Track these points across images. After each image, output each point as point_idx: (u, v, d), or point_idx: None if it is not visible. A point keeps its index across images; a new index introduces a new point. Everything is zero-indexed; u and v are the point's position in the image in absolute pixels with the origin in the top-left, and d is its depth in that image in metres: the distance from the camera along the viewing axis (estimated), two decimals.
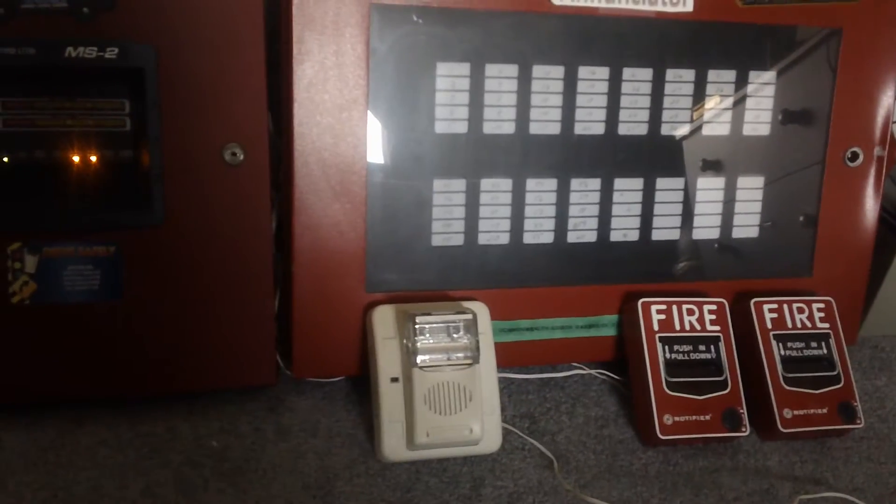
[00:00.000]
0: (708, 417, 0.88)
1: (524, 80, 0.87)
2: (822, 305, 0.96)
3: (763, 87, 0.93)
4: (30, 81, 0.77)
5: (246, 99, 0.80)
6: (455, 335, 0.82)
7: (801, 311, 0.95)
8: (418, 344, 0.80)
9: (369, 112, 0.83)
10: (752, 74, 0.92)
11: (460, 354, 0.82)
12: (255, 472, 0.79)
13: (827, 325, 0.95)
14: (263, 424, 0.84)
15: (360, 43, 0.82)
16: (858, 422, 0.92)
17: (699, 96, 0.92)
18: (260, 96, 0.80)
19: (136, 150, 0.80)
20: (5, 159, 0.78)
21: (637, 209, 0.93)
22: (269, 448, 0.82)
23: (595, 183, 0.91)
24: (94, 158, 0.80)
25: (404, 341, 0.81)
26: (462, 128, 0.86)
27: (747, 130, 0.94)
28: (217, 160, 0.79)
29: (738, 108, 0.93)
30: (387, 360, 0.82)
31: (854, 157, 0.97)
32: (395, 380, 0.81)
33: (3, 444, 0.78)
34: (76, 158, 0.79)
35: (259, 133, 0.80)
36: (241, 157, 0.80)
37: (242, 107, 0.80)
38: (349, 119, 0.82)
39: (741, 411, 0.89)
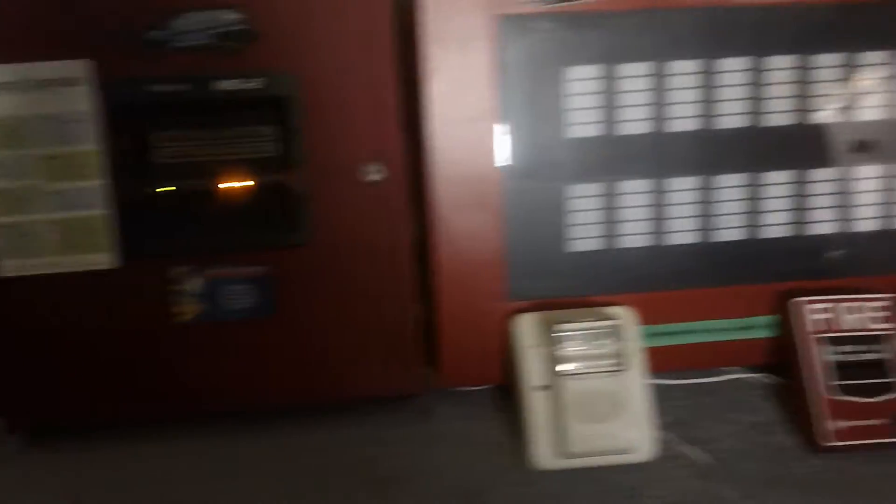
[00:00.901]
0: (879, 422, 0.84)
1: (658, 78, 0.86)
2: None
3: None
4: (184, 115, 0.83)
5: (383, 118, 0.83)
6: (601, 342, 0.82)
7: None
8: (563, 352, 0.80)
9: (501, 121, 0.84)
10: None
11: (607, 361, 0.81)
12: (406, 479, 0.82)
13: None
14: (413, 433, 0.87)
15: (489, 54, 0.84)
16: None
17: (849, 81, 0.88)
18: (394, 115, 0.83)
19: (282, 174, 0.85)
20: (166, 189, 0.85)
21: (788, 203, 0.90)
22: (419, 456, 0.84)
23: (740, 178, 0.89)
24: (244, 184, 0.85)
25: (549, 349, 0.82)
26: (595, 130, 0.86)
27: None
28: (358, 179, 0.83)
29: (893, 90, 0.88)
30: (532, 368, 0.83)
31: None
32: (541, 388, 0.82)
33: (176, 452, 0.85)
34: (229, 185, 0.85)
35: (396, 151, 0.84)
36: (381, 174, 0.83)
37: (380, 126, 0.83)
38: (482, 130, 0.84)
39: None
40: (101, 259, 0.82)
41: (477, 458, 0.84)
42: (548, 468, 0.81)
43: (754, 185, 0.89)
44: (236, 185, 0.85)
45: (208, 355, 0.83)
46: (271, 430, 0.86)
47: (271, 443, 0.85)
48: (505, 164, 0.85)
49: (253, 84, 0.80)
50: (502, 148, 0.84)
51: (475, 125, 0.84)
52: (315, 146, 0.82)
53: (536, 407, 0.81)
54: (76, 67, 0.80)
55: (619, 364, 0.81)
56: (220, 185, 0.85)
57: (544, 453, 0.81)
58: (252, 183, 0.85)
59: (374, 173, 0.83)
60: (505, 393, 0.89)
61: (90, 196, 0.81)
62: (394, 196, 0.84)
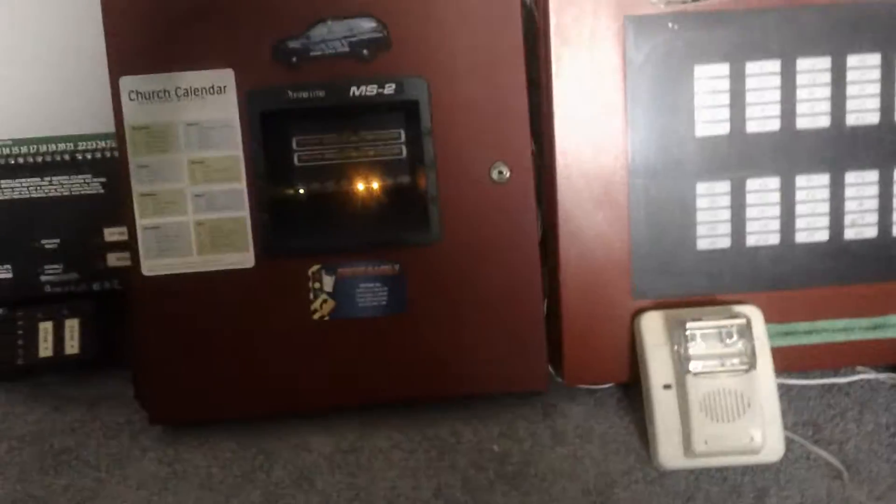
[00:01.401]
0: None
1: (788, 75, 0.86)
2: None
3: None
4: (320, 120, 0.88)
5: (510, 119, 0.86)
6: (728, 340, 0.83)
7: None
8: (690, 350, 0.82)
9: (628, 121, 0.86)
10: None
11: (735, 360, 0.82)
12: (535, 476, 0.85)
13: None
14: (539, 430, 0.90)
15: (616, 55, 0.86)
16: None
17: None
18: (523, 115, 0.86)
19: (412, 175, 0.89)
20: (302, 191, 0.90)
21: None
22: (546, 453, 0.87)
23: (872, 175, 0.88)
24: (376, 185, 0.90)
25: (675, 347, 0.83)
26: (724, 129, 0.87)
27: None
28: (486, 179, 0.86)
29: None
30: (658, 367, 0.84)
31: None
32: (667, 387, 0.84)
33: (311, 446, 0.90)
34: (361, 186, 0.90)
35: (523, 151, 0.87)
36: (508, 174, 0.86)
37: (507, 127, 0.86)
38: (608, 130, 0.86)
39: None
40: (242, 258, 0.87)
41: (603, 456, 0.87)
42: (674, 467, 0.83)
43: (884, 182, 0.88)
44: (370, 186, 0.89)
45: (343, 351, 0.88)
46: (405, 423, 0.90)
47: (405, 436, 0.89)
48: (631, 163, 0.86)
49: (386, 89, 0.84)
50: (629, 147, 0.86)
51: (602, 125, 0.86)
52: (444, 148, 0.86)
53: (662, 405, 0.83)
54: (222, 76, 0.85)
55: (746, 363, 0.82)
56: (355, 187, 0.89)
57: (670, 452, 0.82)
58: (384, 184, 0.88)
59: (502, 173, 0.86)
60: (629, 391, 0.91)
61: (233, 198, 0.86)
62: (521, 195, 0.87)
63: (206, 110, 0.85)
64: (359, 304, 0.87)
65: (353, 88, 0.84)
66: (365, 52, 0.84)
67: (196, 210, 0.86)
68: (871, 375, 0.93)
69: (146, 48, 0.84)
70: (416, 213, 0.86)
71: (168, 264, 0.87)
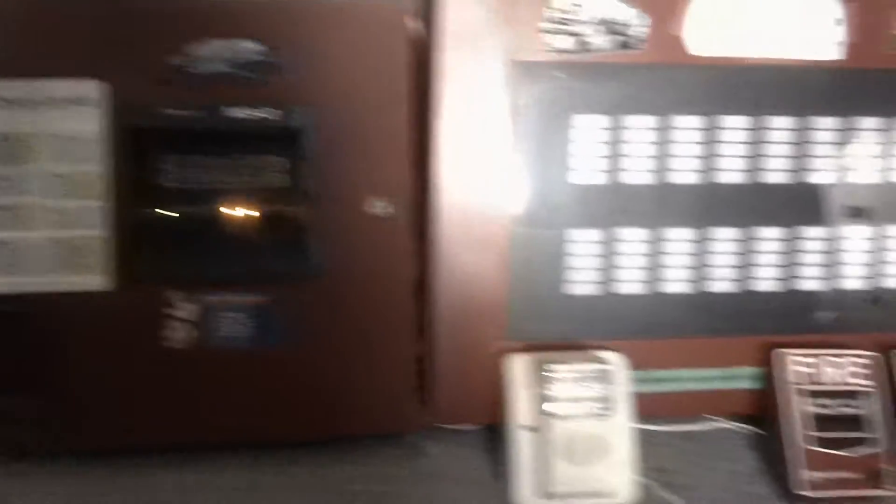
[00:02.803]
0: (855, 475, 0.91)
1: (663, 131, 0.92)
2: None
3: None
4: (196, 142, 0.87)
5: (393, 155, 0.88)
6: (590, 385, 0.88)
7: None
8: (552, 393, 0.86)
9: (511, 164, 0.90)
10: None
11: (596, 405, 0.87)
12: None
13: None
14: (404, 470, 0.91)
15: (502, 99, 0.89)
16: None
17: (845, 144, 0.95)
18: (405, 152, 0.88)
19: (291, 205, 0.89)
20: (171, 214, 0.89)
21: (780, 259, 0.97)
22: (408, 493, 0.89)
23: (736, 232, 0.96)
24: (253, 213, 0.89)
25: (539, 390, 0.88)
26: (600, 178, 0.92)
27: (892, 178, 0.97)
28: (366, 214, 0.88)
29: (887, 155, 0.96)
30: (522, 408, 0.88)
31: None
32: (530, 429, 0.88)
33: (159, 484, 0.88)
34: (237, 213, 0.89)
35: (404, 187, 0.89)
36: (388, 210, 0.88)
37: (389, 162, 0.88)
38: (492, 172, 0.90)
39: (891, 469, 0.91)
40: (97, 281, 0.85)
41: (463, 498, 0.89)
42: None
43: (749, 240, 0.95)
44: (244, 213, 0.89)
45: (205, 384, 0.87)
46: (261, 462, 0.90)
47: (261, 475, 0.89)
48: (513, 206, 0.90)
49: (268, 115, 0.85)
50: (511, 190, 0.90)
51: (484, 167, 0.89)
52: (326, 179, 0.87)
53: (523, 447, 0.87)
54: (89, 87, 0.83)
55: (606, 408, 0.87)
56: (230, 214, 0.88)
57: (528, 493, 0.86)
58: (262, 213, 0.88)
59: (383, 208, 0.88)
60: (497, 433, 0.94)
61: (91, 216, 0.84)
62: (400, 232, 0.89)
63: (68, 122, 0.83)
64: (224, 335, 0.87)
65: (235, 111, 0.84)
66: (249, 75, 0.84)
67: (50, 226, 0.84)
68: (724, 424, 1.00)
69: (8, 53, 0.81)
70: (292, 244, 0.87)
71: (15, 282, 0.84)
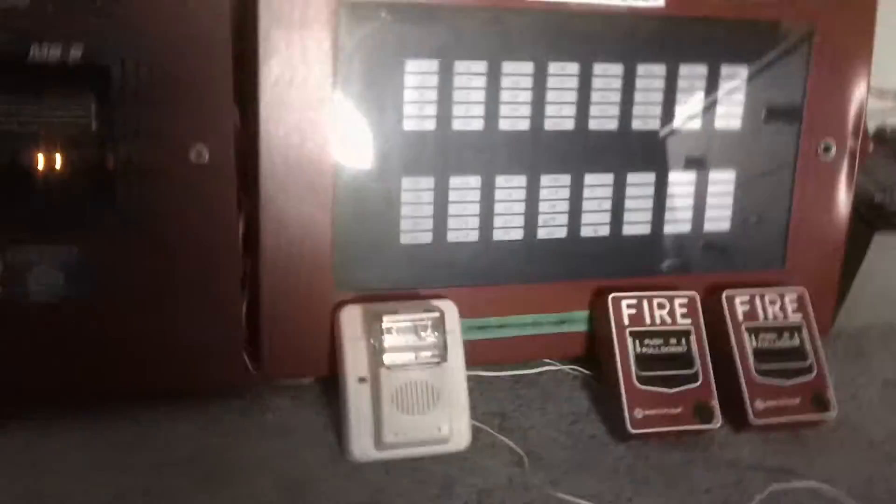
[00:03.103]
0: (679, 410, 0.95)
1: (493, 77, 0.92)
2: (794, 296, 1.02)
3: (735, 82, 0.99)
4: None
5: (212, 99, 0.84)
6: (422, 334, 0.88)
7: (773, 302, 1.01)
8: (385, 343, 0.86)
9: (337, 110, 0.88)
10: (724, 69, 0.98)
11: (428, 353, 0.87)
12: (225, 474, 0.85)
13: (800, 316, 1.01)
14: (234, 426, 0.89)
15: (328, 40, 0.86)
16: (832, 411, 0.98)
17: (670, 91, 0.97)
18: (226, 97, 0.84)
19: (102, 151, 0.84)
20: None
21: (607, 205, 0.99)
22: (239, 450, 0.87)
23: (565, 179, 0.97)
24: (59, 158, 0.84)
25: (371, 341, 0.87)
26: (431, 125, 0.91)
27: (719, 125, 1.00)
28: (183, 160, 0.84)
29: (710, 102, 0.99)
30: (354, 360, 0.87)
31: (827, 150, 1.03)
32: (362, 380, 0.87)
33: None
34: (41, 159, 0.83)
35: (225, 133, 0.85)
36: (207, 156, 0.84)
37: (209, 107, 0.84)
38: (317, 117, 0.87)
39: (713, 403, 0.95)
40: None
41: (300, 451, 0.88)
42: (366, 460, 0.86)
43: (578, 186, 0.97)
44: (51, 160, 0.83)
45: (15, 340, 0.82)
46: (85, 423, 0.86)
47: (84, 435, 0.85)
48: (339, 153, 0.88)
49: (73, 52, 0.79)
50: (337, 137, 0.88)
51: (310, 112, 0.86)
52: (141, 123, 0.82)
53: (356, 398, 0.86)
54: None
55: (440, 356, 0.87)
56: (33, 160, 0.82)
57: (363, 445, 0.86)
58: (69, 159, 0.83)
59: (201, 155, 0.84)
60: (331, 385, 0.93)
61: None
62: (222, 180, 0.85)
63: None
64: (32, 287, 0.81)
65: (35, 46, 0.78)
66: (49, 7, 0.77)
67: None
68: (556, 367, 1.02)
69: None
70: (103, 192, 0.82)
71: None
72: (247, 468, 0.85)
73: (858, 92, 1.01)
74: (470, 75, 0.91)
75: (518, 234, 0.95)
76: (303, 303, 0.90)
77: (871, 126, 1.22)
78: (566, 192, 0.96)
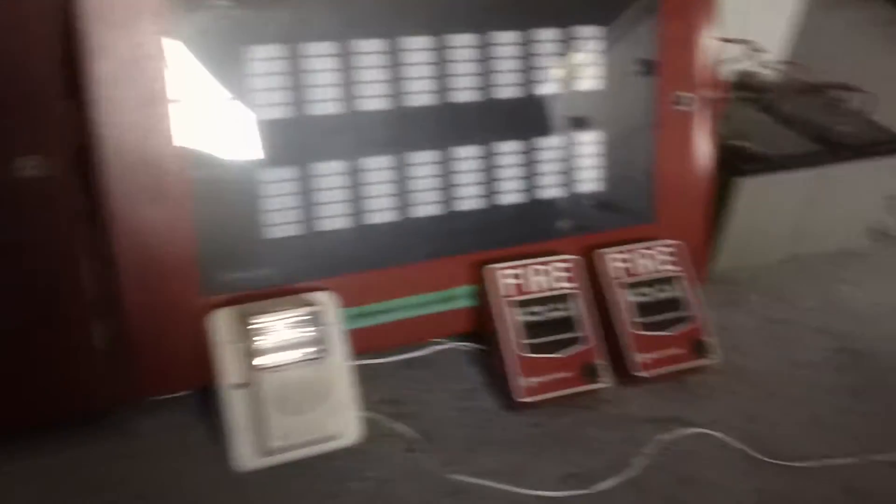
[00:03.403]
0: (569, 374, 0.95)
1: (344, 57, 0.89)
2: (668, 249, 1.04)
3: (590, 43, 0.99)
4: None
5: (40, 107, 0.78)
6: (300, 330, 0.84)
7: (648, 256, 1.03)
8: (260, 345, 0.82)
9: (178, 105, 0.82)
10: (579, 31, 0.98)
11: (308, 350, 0.84)
12: (106, 501, 0.80)
13: (675, 267, 1.03)
14: (112, 451, 0.85)
15: (159, 34, 0.81)
16: (713, 357, 1.00)
17: (528, 57, 0.96)
18: (59, 101, 0.78)
19: None
20: None
21: (479, 177, 0.97)
22: (119, 474, 0.83)
23: (433, 155, 0.95)
24: None
25: (245, 344, 0.83)
26: (286, 112, 0.87)
27: (580, 86, 1.00)
28: (11, 175, 0.77)
29: (568, 65, 0.98)
30: (230, 365, 0.84)
31: (685, 101, 1.04)
32: (240, 386, 0.83)
33: None
34: None
35: (58, 142, 0.79)
36: (39, 169, 0.78)
37: (37, 116, 0.78)
38: (156, 114, 0.82)
39: (600, 363, 0.96)
40: None
41: (180, 469, 0.84)
42: (253, 467, 0.83)
43: (445, 161, 0.95)
44: None
45: None
46: None
47: None
48: (187, 149, 0.83)
49: None
50: (183, 132, 0.83)
51: (148, 109, 0.81)
52: None
53: (236, 406, 0.83)
54: None
55: (320, 351, 0.84)
56: None
57: (248, 454, 0.82)
58: None
59: (33, 168, 0.78)
60: (211, 395, 0.89)
61: None
62: (59, 192, 0.79)
63: None
64: None
65: None
66: None
67: None
68: (446, 345, 1.01)
69: None
70: None
71: None
72: (127, 493, 0.80)
73: (709, 42, 1.02)
74: (319, 57, 0.87)
75: (392, 216, 0.93)
76: (169, 313, 0.85)
77: (727, 74, 1.24)
78: (436, 168, 0.94)
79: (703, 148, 1.04)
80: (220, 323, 0.84)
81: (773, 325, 1.10)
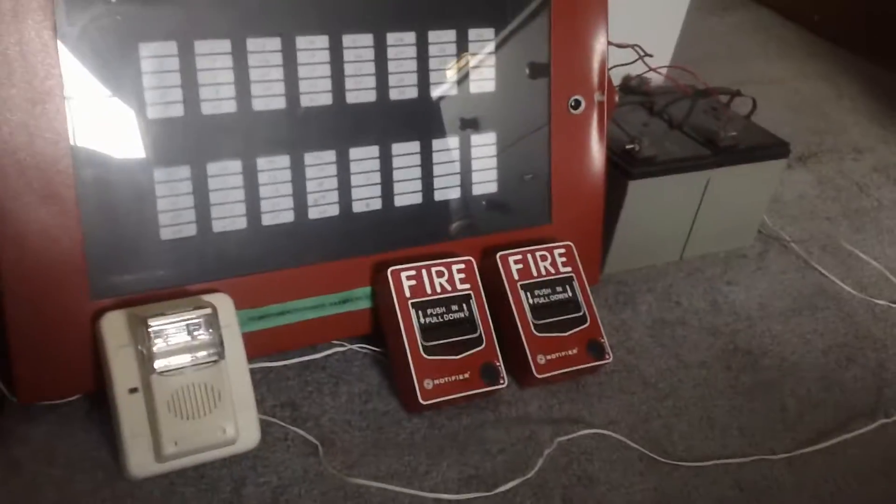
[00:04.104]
0: (467, 375, 0.97)
1: (239, 55, 0.89)
2: (562, 251, 1.07)
3: (484, 45, 1.01)
4: None
5: None
6: (195, 333, 0.84)
7: (543, 258, 1.06)
8: (154, 349, 0.81)
9: (67, 103, 0.81)
10: (472, 33, 1.00)
11: (203, 353, 0.83)
12: None
13: (569, 269, 1.06)
14: None
15: (47, 28, 0.80)
16: (607, 357, 1.04)
17: (423, 58, 0.98)
18: None
19: None
20: None
21: (376, 177, 0.98)
22: (1, 487, 0.80)
23: (329, 155, 0.95)
24: None
25: (139, 348, 0.82)
26: (178, 111, 0.87)
27: (474, 88, 1.02)
28: None
29: (462, 67, 1.01)
30: (122, 370, 0.82)
31: (577, 104, 1.08)
32: (133, 390, 0.82)
33: None
34: None
35: None
36: None
37: None
38: (44, 113, 0.80)
39: (498, 364, 0.98)
40: None
41: (68, 478, 0.82)
42: (146, 475, 0.82)
43: (340, 161, 0.95)
44: None
45: None
46: None
47: None
48: (75, 149, 0.82)
49: None
50: (71, 132, 0.81)
51: (36, 108, 0.80)
52: None
53: (128, 411, 0.81)
54: None
55: (214, 354, 0.83)
56: None
57: (140, 460, 0.81)
58: None
59: None
60: (99, 401, 0.87)
61: None
62: None
63: None
64: None
65: None
66: None
67: None
68: (345, 348, 1.01)
69: None
70: None
71: None
72: None
73: (599, 46, 1.06)
74: (213, 55, 0.87)
75: (288, 217, 0.93)
76: (57, 317, 0.83)
77: (616, 78, 1.29)
78: (332, 169, 0.95)
79: (595, 151, 1.08)
80: (111, 326, 0.83)
81: (665, 325, 1.14)
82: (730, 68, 1.76)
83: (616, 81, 1.24)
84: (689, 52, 1.45)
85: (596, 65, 1.07)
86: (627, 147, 1.15)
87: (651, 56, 1.28)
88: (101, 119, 0.82)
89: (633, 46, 1.26)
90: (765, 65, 2.01)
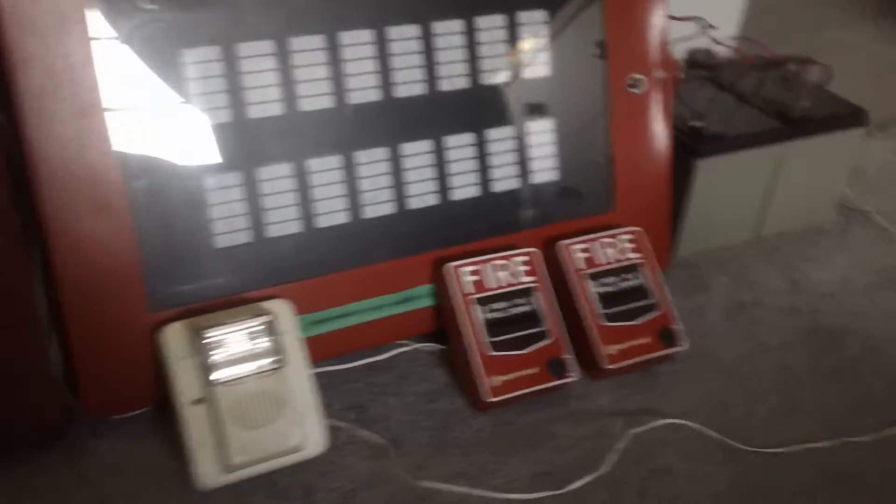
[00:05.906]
0: (534, 370, 0.95)
1: (283, 56, 0.88)
2: (629, 237, 1.04)
3: (535, 28, 0.99)
4: None
5: None
6: (255, 341, 0.84)
7: (609, 245, 1.03)
8: (214, 359, 0.81)
9: (113, 114, 0.82)
10: (522, 16, 0.98)
11: (265, 361, 0.83)
12: None
13: (638, 255, 1.04)
14: (63, 476, 0.84)
15: (86, 43, 0.80)
16: (681, 344, 1.01)
17: (471, 46, 0.96)
18: None
19: None
20: None
21: (430, 172, 0.97)
22: (72, 501, 0.81)
23: (381, 152, 0.94)
24: None
25: (200, 358, 0.82)
26: (225, 116, 0.87)
27: (528, 74, 1.00)
28: None
29: (515, 52, 0.98)
30: (185, 382, 0.83)
31: (636, 83, 1.04)
32: (197, 402, 0.82)
33: None
34: None
35: None
36: None
37: None
38: (92, 125, 0.81)
39: (566, 357, 0.96)
40: None
41: (137, 491, 0.83)
42: (216, 485, 0.82)
43: (394, 158, 0.94)
44: None
45: None
46: None
47: None
48: (125, 159, 0.82)
49: None
50: (119, 142, 0.82)
51: (83, 120, 0.81)
52: None
53: (193, 423, 0.82)
54: None
55: (277, 361, 0.83)
56: None
57: (209, 470, 0.82)
58: None
59: None
60: (164, 413, 0.88)
61: None
62: None
63: None
64: None
65: None
66: None
67: None
68: (409, 347, 1.00)
69: None
70: None
71: None
72: None
73: (658, 21, 1.03)
74: (256, 58, 0.87)
75: (343, 217, 0.93)
76: (118, 331, 0.85)
77: (680, 53, 1.25)
78: (385, 166, 0.94)
79: (659, 130, 1.05)
80: (171, 338, 0.83)
81: (741, 308, 1.10)
82: (803, 37, 1.69)
83: (680, 56, 1.19)
84: (758, 22, 1.40)
85: (655, 41, 1.03)
86: (694, 124, 1.11)
87: (715, 28, 1.23)
88: (148, 128, 0.83)
89: (695, 18, 1.21)
90: (839, 31, 1.93)
